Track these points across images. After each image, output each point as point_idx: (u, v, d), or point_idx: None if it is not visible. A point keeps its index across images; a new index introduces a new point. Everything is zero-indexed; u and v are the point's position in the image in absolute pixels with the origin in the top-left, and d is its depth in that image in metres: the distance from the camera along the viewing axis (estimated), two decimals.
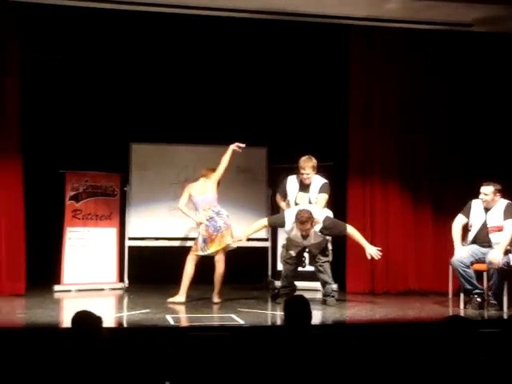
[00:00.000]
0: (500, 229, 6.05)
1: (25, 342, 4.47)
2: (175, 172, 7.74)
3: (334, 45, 7.60)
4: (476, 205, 6.21)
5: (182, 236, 7.66)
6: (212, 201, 6.55)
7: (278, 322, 5.52)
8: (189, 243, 7.13)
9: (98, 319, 3.47)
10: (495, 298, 6.00)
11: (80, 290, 7.25)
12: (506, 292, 5.93)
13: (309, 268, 6.64)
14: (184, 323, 5.69)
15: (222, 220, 6.48)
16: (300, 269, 6.59)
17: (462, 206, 6.36)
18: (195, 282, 6.54)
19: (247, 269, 7.62)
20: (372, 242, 6.50)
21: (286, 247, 6.48)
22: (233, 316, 5.60)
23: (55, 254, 7.29)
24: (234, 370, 3.93)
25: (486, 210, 6.14)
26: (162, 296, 6.56)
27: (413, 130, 7.52)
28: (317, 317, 5.65)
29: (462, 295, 6.14)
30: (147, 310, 5.85)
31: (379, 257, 6.26)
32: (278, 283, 7.00)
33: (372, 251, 6.20)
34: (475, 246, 6.14)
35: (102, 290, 7.40)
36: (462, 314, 5.85)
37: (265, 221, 6.61)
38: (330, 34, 7.40)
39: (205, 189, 6.58)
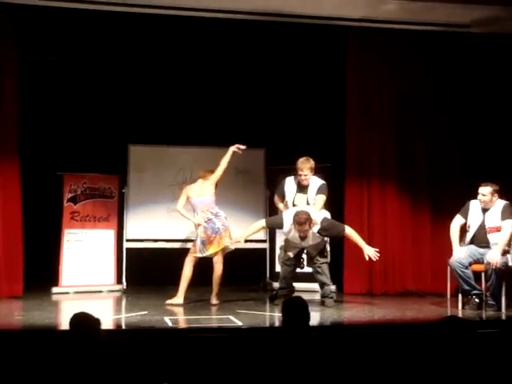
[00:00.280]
0: (498, 229, 6.06)
1: (23, 344, 4.47)
2: (173, 174, 7.74)
3: (331, 46, 7.60)
4: (474, 205, 6.21)
5: (180, 238, 7.66)
6: (210, 202, 6.55)
7: (277, 324, 5.51)
8: (187, 245, 7.13)
9: (96, 321, 3.47)
10: (493, 299, 6.00)
11: (78, 292, 7.24)
12: (504, 292, 5.93)
13: (307, 269, 6.63)
14: (182, 325, 5.68)
15: (220, 222, 6.48)
16: (298, 270, 6.60)
17: (459, 206, 6.36)
18: (193, 283, 6.54)
19: (245, 270, 7.62)
20: (370, 243, 6.50)
21: (284, 248, 6.48)
22: (231, 317, 5.60)
23: (53, 255, 7.28)
24: (233, 372, 3.93)
25: (484, 210, 6.15)
26: (160, 298, 6.56)
27: (410, 131, 7.53)
28: (315, 318, 5.65)
29: (460, 296, 6.15)
30: (145, 312, 5.84)
31: (377, 258, 6.26)
32: (276, 284, 7.00)
33: (370, 252, 6.21)
34: (473, 247, 6.15)
35: (100, 291, 7.39)
36: (460, 314, 5.86)
37: (263, 222, 6.61)
38: (327, 36, 7.40)
39: (203, 190, 6.58)
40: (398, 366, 4.00)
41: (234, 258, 6.68)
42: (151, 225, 7.72)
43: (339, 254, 7.18)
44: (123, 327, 5.46)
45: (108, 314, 6.07)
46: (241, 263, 7.20)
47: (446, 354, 3.25)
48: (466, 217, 6.23)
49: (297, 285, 6.77)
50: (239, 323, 5.33)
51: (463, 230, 6.27)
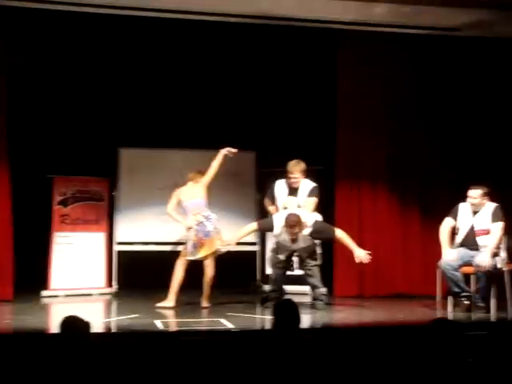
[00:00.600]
0: (487, 232, 6.08)
1: (12, 348, 4.44)
2: (163, 176, 7.72)
3: (322, 49, 7.62)
4: (463, 208, 6.24)
5: (170, 241, 7.64)
6: (202, 205, 6.54)
7: (267, 327, 5.51)
8: (178, 248, 7.12)
9: (86, 324, 3.45)
10: (483, 301, 6.02)
11: (68, 295, 7.22)
12: (494, 295, 5.95)
13: (298, 272, 6.64)
14: (173, 328, 5.68)
15: (211, 225, 6.47)
16: (289, 273, 6.60)
17: (449, 209, 6.38)
18: (184, 286, 6.53)
19: (236, 273, 7.61)
20: (360, 246, 6.51)
21: (275, 251, 6.48)
22: (222, 320, 5.59)
23: (43, 259, 7.26)
24: (224, 375, 3.92)
25: (474, 213, 6.17)
26: (151, 301, 6.54)
27: (401, 134, 7.55)
28: (306, 321, 5.65)
29: (450, 298, 6.17)
30: (136, 315, 5.83)
31: (369, 260, 6.27)
32: (266, 287, 7.00)
33: (361, 254, 6.22)
34: (463, 249, 6.17)
35: (91, 295, 7.37)
36: (449, 316, 5.88)
37: (254, 225, 6.61)
38: (317, 38, 7.42)
39: (194, 193, 6.57)
40: (388, 368, 4.01)
41: (224, 260, 6.67)
42: (142, 228, 7.71)
43: (330, 257, 7.19)
44: (114, 330, 5.45)
45: (98, 317, 6.05)
46: (231, 266, 7.19)
47: (435, 355, 3.26)
48: (455, 219, 6.25)
49: (288, 287, 6.77)
50: (230, 326, 5.32)
51: (453, 232, 6.29)
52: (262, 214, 7.40)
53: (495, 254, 6.01)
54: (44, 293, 7.12)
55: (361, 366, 4.18)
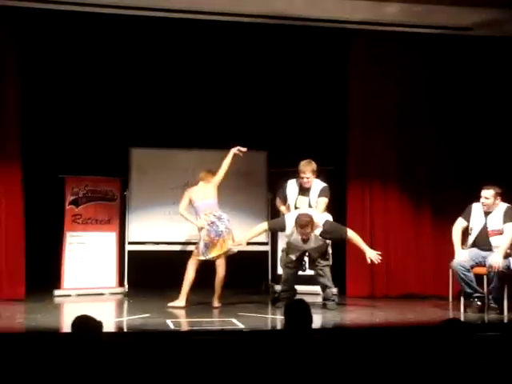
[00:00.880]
0: (500, 232, 6.05)
1: (25, 347, 4.47)
2: (175, 176, 7.73)
3: (334, 49, 7.60)
4: (476, 208, 6.21)
5: (181, 240, 7.66)
6: (213, 205, 6.55)
7: (279, 327, 5.51)
8: (189, 247, 7.13)
9: (98, 324, 3.47)
10: (495, 302, 6.00)
11: (80, 295, 7.24)
12: (507, 295, 5.92)
13: (309, 272, 6.63)
14: (184, 328, 5.69)
15: (223, 224, 6.48)
16: (300, 273, 6.59)
17: (461, 209, 6.36)
18: (195, 286, 6.54)
19: (247, 273, 7.61)
20: (372, 246, 6.50)
21: (286, 251, 6.47)
22: (233, 320, 5.59)
23: (55, 258, 7.29)
24: (235, 375, 3.92)
25: (486, 213, 6.14)
26: (162, 300, 6.56)
27: (412, 134, 7.52)
28: (317, 321, 5.65)
29: (462, 299, 6.14)
30: (147, 315, 5.84)
31: (379, 261, 6.26)
32: (278, 287, 6.98)
33: (372, 255, 6.21)
34: (475, 250, 6.14)
35: (102, 294, 7.40)
36: (462, 317, 5.86)
37: (265, 225, 6.61)
38: (329, 38, 7.40)
39: (206, 193, 6.58)
40: (400, 368, 4.00)
41: (236, 260, 6.68)
42: (153, 227, 7.72)
43: (341, 257, 7.18)
44: (125, 330, 5.47)
45: (110, 316, 6.07)
46: (243, 266, 7.19)
47: (446, 356, 3.25)
48: (468, 220, 6.23)
49: (299, 287, 6.76)
50: (241, 326, 5.32)
51: (465, 232, 6.26)
52: (274, 214, 7.40)
53: (508, 255, 5.98)
54: (56, 292, 7.16)
55: (372, 366, 4.17)
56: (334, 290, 6.53)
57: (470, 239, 6.20)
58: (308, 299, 4.11)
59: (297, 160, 6.58)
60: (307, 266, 6.54)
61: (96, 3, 6.44)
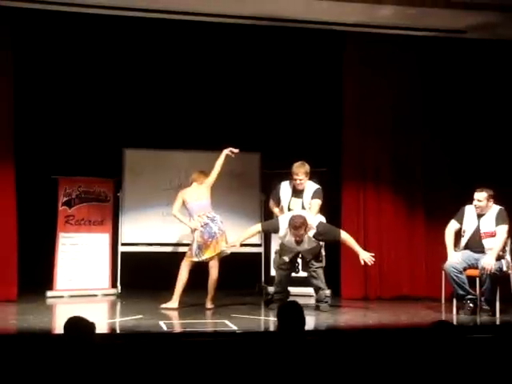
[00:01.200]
0: (493, 234, 6.08)
1: (17, 349, 4.45)
2: (168, 177, 7.73)
3: (328, 51, 7.61)
4: (469, 210, 6.23)
5: (175, 242, 7.65)
6: (207, 207, 6.55)
7: (272, 328, 5.51)
8: (182, 249, 7.12)
9: (91, 325, 3.46)
10: (488, 304, 6.02)
11: (73, 296, 7.22)
12: (499, 298, 5.94)
13: (302, 274, 6.63)
14: (177, 329, 5.68)
15: (216, 226, 6.48)
16: (293, 274, 6.59)
17: (454, 211, 6.38)
18: (188, 287, 6.53)
19: (240, 274, 7.60)
20: (365, 248, 6.50)
21: (280, 253, 6.48)
22: (226, 322, 5.59)
23: (48, 259, 7.26)
24: (228, 377, 3.92)
25: (479, 215, 6.16)
26: (155, 302, 6.55)
27: (406, 136, 7.55)
28: (310, 323, 5.65)
29: (454, 301, 6.16)
30: (140, 316, 5.83)
31: (372, 262, 6.27)
32: (271, 289, 6.99)
33: (365, 257, 6.21)
34: (468, 252, 6.16)
35: (95, 295, 7.38)
36: (454, 319, 5.88)
37: (258, 226, 6.61)
38: (324, 40, 7.42)
39: (199, 195, 6.58)
40: (391, 370, 4.00)
41: (229, 262, 6.68)
42: (146, 229, 7.71)
43: (336, 259, 7.19)
44: (118, 331, 5.45)
45: (103, 318, 6.06)
46: (236, 267, 7.18)
47: (438, 358, 3.26)
48: (461, 222, 6.25)
49: (292, 289, 6.77)
50: (234, 327, 5.32)
51: (458, 235, 6.28)
52: (267, 216, 7.40)
53: (500, 257, 6.01)
54: (48, 293, 7.13)
55: (365, 367, 4.17)
56: (327, 292, 6.54)
57: (463, 241, 6.22)
58: (301, 301, 4.10)
59: (290, 161, 6.59)
60: (300, 267, 6.55)
61: (89, 4, 6.42)
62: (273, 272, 7.13)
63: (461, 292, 6.07)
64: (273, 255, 7.04)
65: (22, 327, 5.33)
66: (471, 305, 6.04)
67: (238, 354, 4.34)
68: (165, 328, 5.32)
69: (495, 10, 6.63)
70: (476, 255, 6.09)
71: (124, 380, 3.69)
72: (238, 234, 6.52)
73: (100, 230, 7.58)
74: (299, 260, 6.54)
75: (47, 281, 7.21)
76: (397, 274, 7.40)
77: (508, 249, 6.12)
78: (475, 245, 6.14)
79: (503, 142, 7.54)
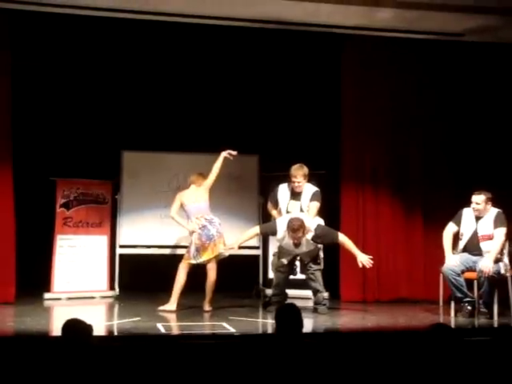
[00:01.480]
0: (490, 237, 6.08)
1: (14, 351, 4.44)
2: (166, 180, 7.73)
3: (327, 53, 7.62)
4: (467, 213, 6.24)
5: (173, 244, 7.65)
6: (205, 209, 6.55)
7: (270, 331, 5.50)
8: (180, 251, 7.12)
9: (89, 327, 3.45)
10: (486, 307, 6.02)
11: (70, 298, 7.21)
12: (497, 300, 5.94)
13: (300, 276, 6.63)
14: (175, 331, 5.67)
15: (214, 228, 6.48)
16: (291, 277, 6.59)
17: (452, 214, 6.38)
18: (186, 289, 6.52)
19: (238, 277, 7.60)
20: (364, 251, 6.50)
21: (278, 255, 6.48)
22: (224, 324, 5.58)
23: (45, 261, 7.25)
24: (225, 379, 3.92)
25: (477, 218, 6.17)
26: (153, 304, 6.54)
27: (405, 139, 7.56)
28: (308, 325, 5.64)
29: (452, 303, 6.16)
30: (138, 318, 5.82)
31: (371, 265, 6.27)
32: (269, 291, 6.98)
33: (363, 259, 6.21)
34: (466, 255, 6.16)
35: (93, 298, 7.37)
36: (452, 322, 5.88)
37: (257, 229, 6.61)
38: (322, 43, 7.43)
39: (197, 197, 6.58)
40: (389, 372, 4.00)
41: (227, 264, 6.67)
42: (144, 231, 7.70)
43: (335, 261, 7.18)
44: (116, 333, 5.44)
45: (100, 320, 6.05)
46: (234, 270, 7.18)
47: (436, 361, 3.26)
48: (458, 224, 6.25)
49: (290, 292, 6.77)
50: (232, 330, 5.32)
51: (456, 237, 6.28)
52: (265, 218, 7.40)
53: (498, 260, 6.01)
54: (46, 295, 7.12)
55: (363, 370, 4.17)
56: (325, 295, 6.53)
57: (461, 244, 6.23)
58: (299, 303, 4.10)
59: (288, 164, 6.59)
60: (298, 270, 6.54)
61: (86, 6, 6.42)
62: (271, 274, 7.13)
63: (459, 295, 6.07)
64: (271, 258, 7.04)
65: (19, 329, 5.32)
66: (469, 307, 6.04)
67: (235, 357, 4.33)
68: (162, 330, 5.31)
69: (492, 13, 6.65)
70: (474, 258, 6.10)
71: (122, 382, 3.68)
72: (236, 237, 6.52)
73: (98, 232, 7.58)
74: (297, 262, 6.53)
75: (45, 283, 7.20)
76: (395, 276, 7.40)
77: (506, 252, 6.12)
78: (473, 247, 6.14)
79: (502, 144, 7.55)
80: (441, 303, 6.41)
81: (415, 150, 7.57)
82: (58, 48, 7.39)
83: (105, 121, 7.88)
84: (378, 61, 7.50)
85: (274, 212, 6.73)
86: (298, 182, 6.47)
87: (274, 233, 6.42)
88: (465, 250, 6.19)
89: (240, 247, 6.51)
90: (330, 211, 7.10)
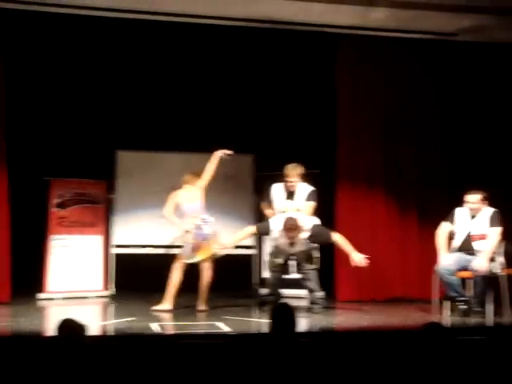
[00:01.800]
0: (483, 237, 6.09)
1: (8, 351, 4.43)
2: (161, 179, 7.71)
3: (322, 53, 7.62)
4: (460, 212, 6.25)
5: (167, 244, 7.63)
6: (200, 209, 6.54)
7: (264, 330, 5.51)
8: (175, 250, 7.11)
9: (82, 327, 3.45)
10: (479, 306, 6.02)
11: (65, 298, 7.20)
12: (490, 299, 5.96)
13: (295, 275, 6.64)
14: (169, 331, 5.66)
15: (209, 228, 6.47)
16: (286, 276, 6.59)
17: (446, 213, 6.39)
18: (181, 289, 6.52)
19: (233, 276, 7.60)
20: (359, 250, 6.49)
21: (273, 255, 6.48)
22: (218, 324, 5.58)
23: (40, 261, 7.24)
24: (220, 379, 3.92)
25: (471, 217, 6.18)
26: (148, 304, 6.53)
27: (400, 138, 7.57)
28: (303, 324, 5.65)
29: (446, 302, 6.17)
30: (133, 318, 5.82)
31: (365, 264, 6.27)
32: (263, 291, 6.99)
33: (357, 258, 6.21)
34: (460, 254, 6.17)
35: (87, 298, 7.36)
36: (446, 321, 5.89)
37: (252, 228, 6.61)
38: (317, 42, 7.43)
39: (192, 196, 6.57)
40: (385, 372, 4.01)
41: (222, 264, 6.67)
42: (139, 230, 7.70)
43: (331, 261, 7.19)
44: (110, 333, 5.43)
45: (95, 320, 6.05)
46: (229, 269, 7.18)
47: (429, 360, 3.27)
48: (452, 224, 6.26)
49: (285, 291, 6.77)
50: (227, 329, 5.32)
51: (450, 236, 6.29)
52: (260, 218, 7.40)
53: (492, 259, 6.02)
54: (40, 295, 7.11)
55: (357, 369, 4.17)
56: (320, 294, 6.54)
57: (455, 243, 6.24)
58: (294, 303, 4.11)
59: (283, 163, 6.60)
60: (294, 269, 6.55)
61: (80, 5, 6.42)
62: (266, 274, 7.13)
63: (452, 294, 6.08)
64: (266, 257, 7.04)
65: (13, 329, 5.31)
66: (463, 307, 6.05)
67: (230, 356, 4.33)
68: (157, 330, 5.31)
69: (487, 13, 6.67)
70: (468, 257, 6.11)
71: (116, 382, 3.68)
72: (231, 236, 6.52)
73: (93, 232, 7.57)
74: (292, 262, 6.54)
75: (39, 283, 7.19)
76: (390, 276, 7.41)
77: (500, 251, 6.13)
78: (467, 247, 6.15)
79: (496, 143, 7.57)
80: (435, 302, 6.42)
81: (410, 149, 7.58)
82: (52, 48, 7.36)
83: (99, 120, 7.87)
84: (372, 60, 7.52)
85: (268, 211, 6.73)
86: (293, 182, 6.47)
87: (269, 232, 6.42)
88: (459, 249, 6.20)
89: (235, 247, 6.52)
90: (325, 211, 7.10)
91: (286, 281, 6.70)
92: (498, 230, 6.07)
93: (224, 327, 5.41)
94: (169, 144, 7.84)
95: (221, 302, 6.82)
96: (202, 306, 6.45)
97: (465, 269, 6.09)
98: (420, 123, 7.60)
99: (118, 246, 7.65)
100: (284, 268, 6.46)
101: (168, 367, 4.37)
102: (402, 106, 7.58)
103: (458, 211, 6.26)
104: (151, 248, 7.70)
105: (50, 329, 4.87)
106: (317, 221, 6.51)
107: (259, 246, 7.83)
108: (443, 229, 6.29)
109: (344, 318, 6.27)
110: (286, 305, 3.76)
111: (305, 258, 6.38)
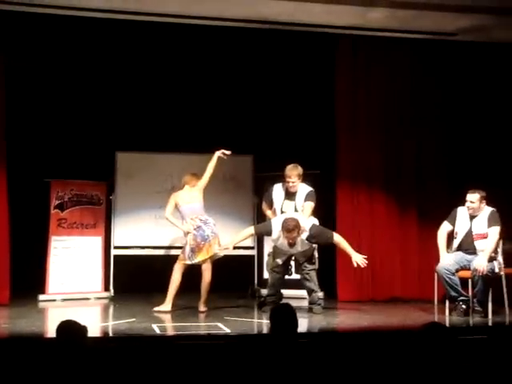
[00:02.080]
0: (484, 236, 6.09)
1: (9, 353, 4.43)
2: (161, 180, 7.72)
3: (321, 53, 7.63)
4: (461, 212, 6.25)
5: (167, 245, 7.64)
6: (199, 209, 6.54)
7: (265, 331, 5.51)
8: (175, 252, 7.11)
9: (83, 329, 3.45)
10: (480, 305, 6.03)
11: (65, 300, 7.20)
12: (491, 299, 5.96)
13: (295, 276, 6.64)
14: (170, 332, 5.67)
15: (209, 229, 6.47)
16: (286, 277, 6.60)
17: (447, 212, 6.39)
18: (181, 290, 6.52)
19: (233, 277, 7.60)
20: (359, 250, 6.50)
21: (273, 255, 6.48)
22: (219, 325, 5.58)
23: (40, 263, 7.23)
24: (221, 379, 3.92)
25: (472, 217, 6.18)
26: (148, 305, 6.54)
27: (399, 138, 7.57)
28: (303, 325, 5.65)
29: (447, 302, 6.17)
30: (133, 319, 5.82)
31: (365, 265, 6.27)
32: (264, 291, 6.99)
33: (358, 259, 6.22)
34: (460, 254, 6.18)
35: (88, 299, 7.35)
36: (447, 321, 5.89)
37: (251, 229, 6.61)
38: (316, 43, 7.43)
39: (192, 197, 6.57)
40: (385, 372, 4.01)
41: (222, 264, 6.67)
42: (139, 232, 7.70)
43: (331, 261, 7.19)
44: (111, 335, 5.43)
45: (95, 321, 6.04)
46: (229, 270, 7.18)
47: (430, 360, 3.27)
48: (453, 223, 6.27)
49: (285, 292, 6.77)
50: (227, 330, 5.32)
51: (450, 236, 6.30)
52: (259, 218, 7.40)
53: (492, 258, 6.02)
54: (41, 297, 7.10)
55: (358, 369, 4.17)
56: (320, 294, 6.54)
57: (455, 243, 6.24)
58: (294, 303, 4.11)
59: (283, 164, 6.59)
60: (293, 270, 6.55)
61: (80, 7, 6.41)
62: (266, 274, 7.13)
63: (453, 293, 6.09)
64: (266, 258, 7.04)
65: (13, 331, 5.30)
66: (463, 306, 6.06)
67: (230, 357, 4.33)
68: (158, 331, 5.31)
69: (486, 13, 6.67)
70: (468, 257, 6.11)
71: None
72: (231, 237, 6.52)
73: (93, 233, 7.56)
74: (292, 262, 6.54)
75: (39, 284, 7.18)
76: (390, 275, 7.41)
77: (500, 250, 6.14)
78: (467, 246, 6.16)
79: (496, 142, 7.57)
80: (435, 302, 6.42)
81: (409, 149, 7.58)
82: (52, 49, 7.36)
83: (99, 122, 7.86)
84: (372, 60, 7.52)
85: (268, 212, 6.73)
86: (293, 182, 6.47)
87: (269, 233, 6.42)
88: (459, 248, 6.21)
89: (235, 247, 6.51)
90: (324, 211, 7.11)
91: (285, 281, 6.69)
92: (497, 229, 6.07)
93: (224, 328, 5.41)
94: (168, 145, 7.84)
95: (221, 303, 6.82)
96: (202, 307, 6.45)
97: (465, 268, 6.09)
98: (420, 123, 7.60)
99: (118, 247, 7.65)
100: (284, 269, 6.46)
101: (169, 368, 4.37)
102: (402, 106, 7.58)
103: (459, 211, 6.26)
104: (151, 249, 7.70)
105: (51, 330, 4.87)
106: (316, 221, 6.51)
107: (259, 246, 7.82)
108: (444, 228, 6.29)
109: (344, 318, 6.27)
110: (287, 305, 3.76)
111: (305, 258, 6.37)
